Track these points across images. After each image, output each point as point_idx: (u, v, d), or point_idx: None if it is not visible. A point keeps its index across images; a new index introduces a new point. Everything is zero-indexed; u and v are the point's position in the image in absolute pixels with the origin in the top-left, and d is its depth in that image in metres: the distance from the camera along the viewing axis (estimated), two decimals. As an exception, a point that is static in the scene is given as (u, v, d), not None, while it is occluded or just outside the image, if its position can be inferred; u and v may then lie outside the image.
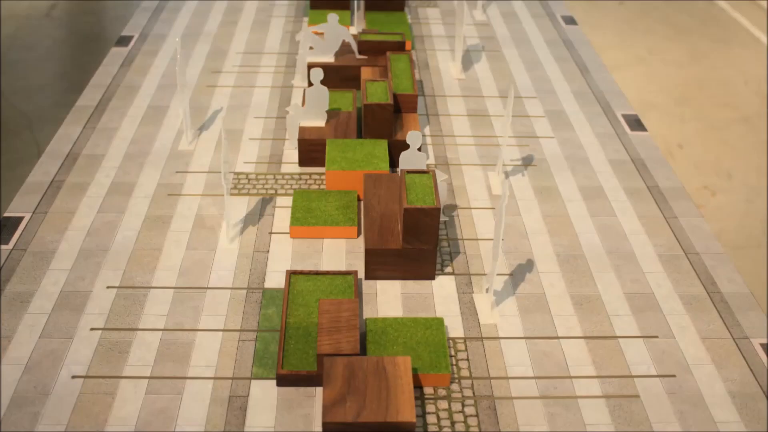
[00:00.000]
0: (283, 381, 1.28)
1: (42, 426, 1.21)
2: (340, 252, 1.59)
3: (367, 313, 1.45)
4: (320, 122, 1.87)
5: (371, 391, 1.19)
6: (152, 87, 2.19)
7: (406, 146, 1.81)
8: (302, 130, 1.85)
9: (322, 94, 1.84)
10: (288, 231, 1.64)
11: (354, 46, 2.19)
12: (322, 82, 2.13)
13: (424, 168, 1.60)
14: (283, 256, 1.58)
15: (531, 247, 1.63)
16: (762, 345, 1.40)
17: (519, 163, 1.90)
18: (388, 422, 1.15)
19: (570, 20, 2.69)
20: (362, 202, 1.63)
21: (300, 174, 1.83)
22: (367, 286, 1.51)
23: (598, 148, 1.97)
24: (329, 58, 2.17)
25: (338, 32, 2.14)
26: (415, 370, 1.29)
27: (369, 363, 1.24)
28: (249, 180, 1.80)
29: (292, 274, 1.47)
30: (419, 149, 1.70)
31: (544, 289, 1.52)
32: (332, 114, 1.91)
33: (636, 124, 2.08)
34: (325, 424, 1.15)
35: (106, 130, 1.98)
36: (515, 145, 1.97)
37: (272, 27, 2.55)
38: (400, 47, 2.20)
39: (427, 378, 1.29)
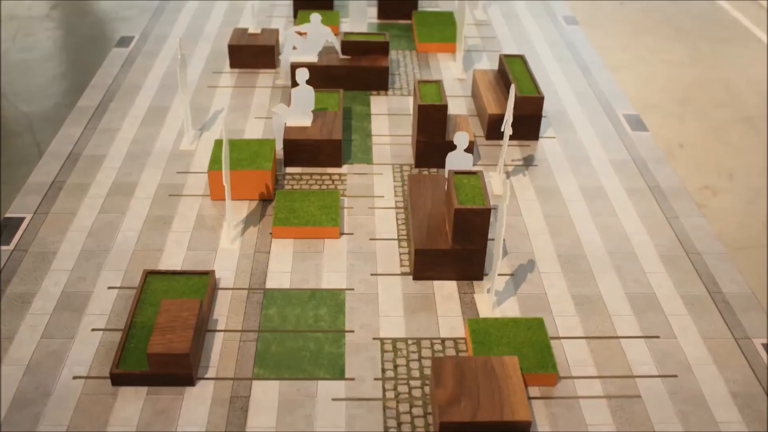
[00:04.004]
0: (117, 380, 1.28)
1: (43, 426, 1.21)
2: (342, 251, 1.59)
3: (368, 313, 1.45)
4: (306, 122, 1.87)
5: (484, 391, 1.20)
6: (153, 87, 2.19)
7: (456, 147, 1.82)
8: (288, 130, 1.85)
9: (308, 94, 1.85)
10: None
11: (337, 46, 2.19)
12: (307, 82, 2.13)
13: (471, 168, 1.60)
14: (284, 256, 1.58)
15: (532, 247, 1.62)
16: (763, 345, 1.40)
17: (520, 163, 1.90)
18: (505, 421, 1.16)
19: (571, 20, 2.69)
20: (408, 203, 1.63)
21: (301, 174, 1.83)
22: (369, 286, 1.51)
23: (599, 148, 1.97)
24: (313, 58, 2.17)
25: (321, 32, 2.15)
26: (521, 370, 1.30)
27: (477, 363, 1.25)
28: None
29: (148, 274, 1.47)
30: (466, 150, 1.70)
31: (545, 289, 1.52)
32: (318, 114, 1.91)
33: (637, 124, 2.08)
34: (442, 424, 1.16)
35: (107, 131, 1.98)
36: (516, 145, 1.97)
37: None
38: (383, 48, 2.20)
39: (534, 378, 1.30)
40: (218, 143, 1.76)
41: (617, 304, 1.49)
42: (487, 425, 1.16)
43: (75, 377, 1.30)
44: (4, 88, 4.58)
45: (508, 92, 2.00)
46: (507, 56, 2.10)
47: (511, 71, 2.03)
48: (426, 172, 1.85)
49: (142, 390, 1.28)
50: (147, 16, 2.62)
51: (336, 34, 2.49)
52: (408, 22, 2.63)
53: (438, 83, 1.86)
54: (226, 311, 1.44)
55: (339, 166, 1.85)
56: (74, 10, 5.66)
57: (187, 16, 2.63)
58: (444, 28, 2.47)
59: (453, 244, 1.48)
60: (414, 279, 1.52)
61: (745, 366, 1.36)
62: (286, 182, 1.80)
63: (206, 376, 1.31)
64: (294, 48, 2.16)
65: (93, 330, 1.39)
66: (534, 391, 1.30)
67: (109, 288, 1.49)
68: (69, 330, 1.39)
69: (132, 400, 1.26)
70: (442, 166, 1.86)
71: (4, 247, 1.58)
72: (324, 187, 1.79)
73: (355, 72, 2.16)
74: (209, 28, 2.55)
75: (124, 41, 2.45)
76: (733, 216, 3.70)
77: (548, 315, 1.46)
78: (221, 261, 1.56)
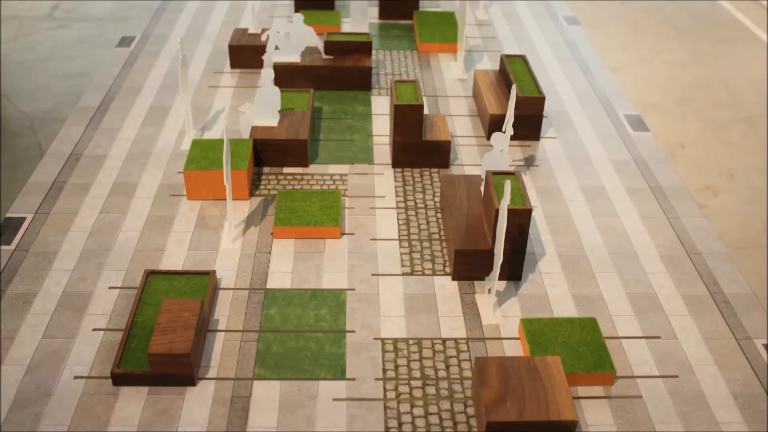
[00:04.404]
0: (118, 380, 1.28)
1: (44, 426, 1.21)
2: (343, 252, 1.59)
3: (369, 313, 1.45)
4: (273, 122, 1.87)
5: (529, 390, 1.20)
6: (154, 87, 2.19)
7: (435, 147, 1.82)
8: (254, 129, 1.85)
9: (273, 95, 1.85)
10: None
11: (320, 46, 2.19)
12: (288, 82, 2.15)
13: (507, 169, 1.60)
14: (286, 256, 1.58)
15: (533, 247, 1.63)
16: (764, 345, 1.40)
17: (521, 163, 1.90)
18: (551, 421, 1.16)
19: (572, 20, 2.69)
20: (443, 203, 1.64)
21: (302, 174, 1.83)
22: (369, 286, 1.51)
23: (600, 148, 1.97)
24: (295, 58, 2.17)
25: (304, 32, 2.15)
26: (574, 369, 1.30)
27: (521, 363, 1.25)
28: (251, 181, 1.80)
29: (149, 273, 1.47)
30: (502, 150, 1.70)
31: (546, 289, 1.52)
32: (286, 114, 1.91)
33: (638, 124, 2.08)
34: (489, 424, 1.16)
35: (108, 131, 1.98)
36: (517, 145, 1.97)
37: (273, 28, 2.55)
38: (366, 48, 2.21)
39: (592, 377, 1.30)
40: (195, 143, 1.77)
41: (618, 304, 1.49)
42: (534, 425, 1.16)
43: (76, 377, 1.30)
44: (5, 88, 4.58)
45: (510, 92, 2.00)
46: (508, 56, 2.10)
47: (512, 71, 2.03)
48: (422, 173, 1.85)
49: (143, 390, 1.28)
50: (148, 16, 2.62)
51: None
52: (409, 22, 2.63)
53: (414, 83, 1.87)
54: (227, 311, 1.44)
55: (306, 165, 1.85)
56: (75, 10, 5.66)
57: (188, 17, 2.63)
58: (445, 29, 2.47)
59: (492, 244, 1.48)
60: (453, 279, 1.52)
61: (746, 366, 1.36)
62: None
63: (207, 376, 1.31)
64: (276, 48, 2.16)
65: (94, 330, 1.39)
66: (535, 391, 1.30)
67: (110, 288, 1.49)
68: (70, 330, 1.39)
69: (133, 400, 1.26)
70: (419, 165, 1.86)
71: (5, 247, 1.58)
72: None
73: (338, 72, 2.16)
74: (210, 28, 2.55)
75: (125, 41, 2.45)
76: (733, 216, 3.70)
77: (549, 315, 1.46)
78: (222, 261, 1.56)
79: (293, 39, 2.15)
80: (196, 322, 1.31)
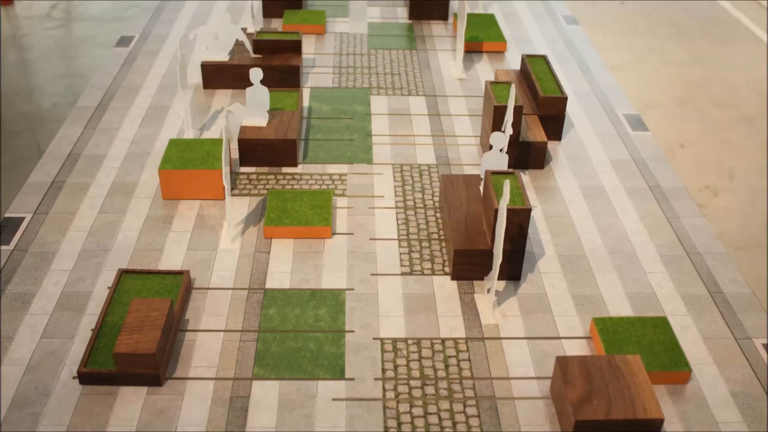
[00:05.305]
0: (84, 379, 1.28)
1: (43, 426, 1.21)
2: (342, 252, 1.59)
3: (368, 313, 1.44)
4: (262, 122, 1.87)
5: (613, 389, 1.21)
6: (153, 87, 2.19)
7: (531, 148, 1.82)
8: (243, 129, 1.85)
9: (261, 94, 1.85)
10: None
11: (248, 45, 2.18)
12: (216, 82, 2.15)
13: (507, 168, 1.60)
14: (284, 256, 1.58)
15: (532, 247, 1.62)
16: (764, 345, 1.40)
17: (520, 163, 1.90)
18: (638, 419, 1.17)
19: (571, 20, 2.69)
20: (442, 203, 1.64)
21: (302, 174, 1.83)
22: (369, 286, 1.50)
23: (599, 148, 1.96)
24: (224, 57, 2.17)
25: (232, 31, 2.15)
26: (650, 368, 1.31)
27: (602, 362, 1.25)
28: (250, 180, 1.80)
29: (123, 273, 1.47)
30: (501, 150, 1.71)
31: (545, 290, 1.52)
32: (275, 114, 1.91)
33: (637, 123, 2.08)
34: (578, 423, 1.16)
35: (107, 131, 1.98)
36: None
37: (272, 27, 2.55)
38: (296, 47, 2.19)
39: (667, 376, 1.31)
40: (172, 142, 1.77)
41: (618, 304, 1.49)
42: (621, 423, 1.17)
43: (75, 377, 1.30)
44: (4, 88, 4.58)
45: (530, 93, 2.00)
46: (530, 56, 2.09)
47: (533, 72, 2.03)
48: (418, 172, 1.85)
49: (142, 390, 1.28)
50: (147, 16, 2.62)
51: (322, 34, 2.48)
52: (409, 22, 2.62)
53: (509, 84, 1.86)
54: (226, 311, 1.44)
55: (295, 165, 1.84)
56: (74, 10, 5.66)
57: (187, 16, 2.63)
58: (487, 29, 2.47)
59: (492, 244, 1.48)
60: (452, 279, 1.52)
61: (746, 366, 1.36)
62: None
63: (206, 376, 1.31)
64: (207, 48, 2.16)
65: (93, 330, 1.39)
66: (534, 391, 1.30)
67: (109, 288, 1.49)
68: (69, 330, 1.39)
69: (132, 400, 1.26)
70: (515, 167, 1.85)
71: (3, 247, 1.58)
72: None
73: (266, 71, 2.15)
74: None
75: (124, 41, 2.45)
76: (733, 216, 3.70)
77: (548, 315, 1.46)
78: (221, 261, 1.56)
79: (221, 38, 2.15)
80: (164, 322, 1.30)
